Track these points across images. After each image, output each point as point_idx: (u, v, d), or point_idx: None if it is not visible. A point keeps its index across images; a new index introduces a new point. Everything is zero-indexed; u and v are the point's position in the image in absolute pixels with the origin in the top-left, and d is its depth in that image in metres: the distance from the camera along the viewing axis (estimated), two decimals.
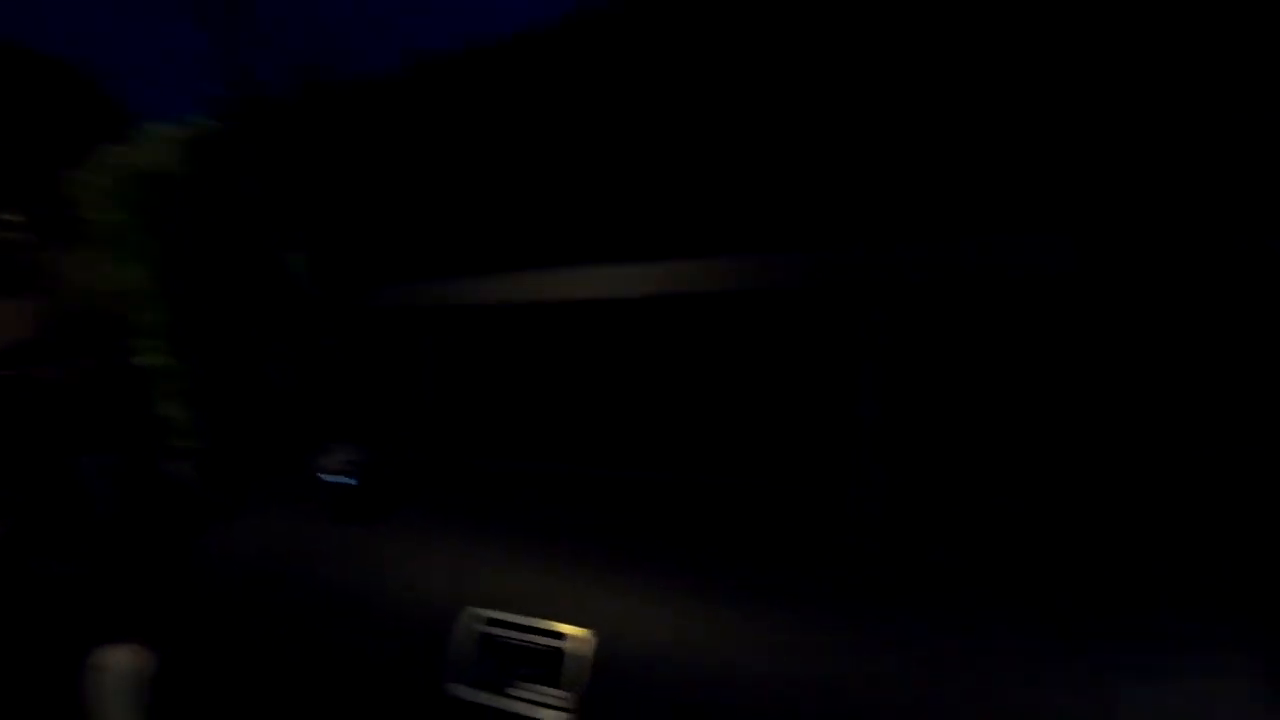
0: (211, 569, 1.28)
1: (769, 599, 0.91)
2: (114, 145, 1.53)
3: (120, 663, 1.32)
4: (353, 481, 1.15)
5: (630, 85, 1.14)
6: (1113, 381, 0.92)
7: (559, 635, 0.97)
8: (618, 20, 1.18)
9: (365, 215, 1.42)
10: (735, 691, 0.86)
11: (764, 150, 1.11)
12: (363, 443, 1.18)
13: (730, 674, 0.88)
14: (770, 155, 1.07)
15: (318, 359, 1.45)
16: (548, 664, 0.97)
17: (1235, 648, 0.71)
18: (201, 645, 1.26)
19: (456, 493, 1.21)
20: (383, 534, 1.18)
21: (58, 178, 1.56)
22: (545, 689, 0.96)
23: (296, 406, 1.44)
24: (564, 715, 0.93)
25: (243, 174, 1.45)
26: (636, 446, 1.15)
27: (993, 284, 0.95)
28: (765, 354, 1.10)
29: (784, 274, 1.06)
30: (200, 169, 1.43)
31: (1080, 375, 0.95)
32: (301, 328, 1.48)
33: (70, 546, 1.42)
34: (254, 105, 1.48)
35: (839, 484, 0.98)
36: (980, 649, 0.78)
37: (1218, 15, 0.90)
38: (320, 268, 1.46)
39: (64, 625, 1.39)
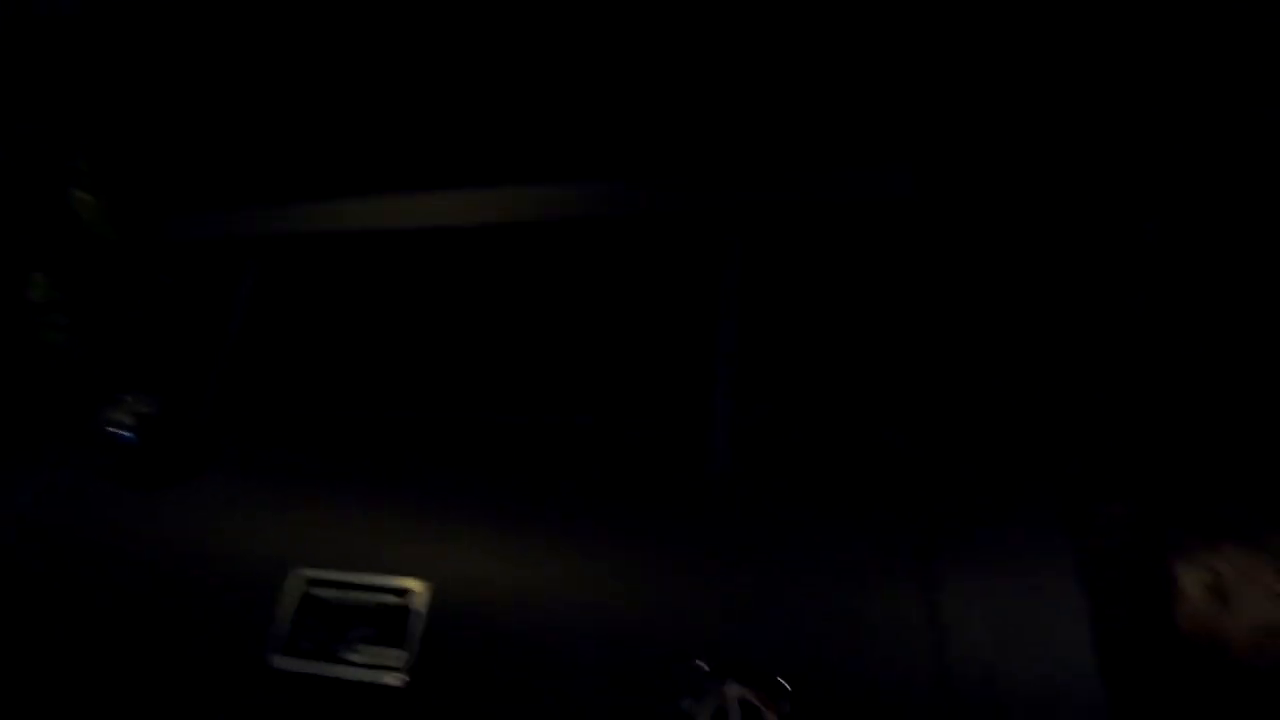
0: None
1: (614, 540, 0.86)
2: None
3: None
4: (135, 438, 1.01)
5: None
6: (955, 304, 0.94)
7: (391, 590, 0.89)
8: None
9: (162, 139, 1.25)
10: (582, 635, 0.82)
11: (612, 71, 1.05)
12: (155, 394, 1.04)
13: (577, 617, 0.83)
14: (618, 76, 1.01)
15: (110, 312, 1.27)
16: (380, 622, 0.89)
17: (1050, 558, 0.74)
18: None
19: (275, 445, 1.08)
20: (188, 495, 1.04)
21: None
22: (379, 649, 0.88)
23: (81, 366, 1.25)
24: (399, 676, 0.85)
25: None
26: (470, 388, 1.07)
27: (837, 212, 0.95)
28: (611, 288, 1.06)
29: (634, 203, 1.01)
30: None
31: (925, 302, 0.96)
32: (90, 275, 1.28)
33: None
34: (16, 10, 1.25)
35: (689, 424, 0.95)
36: (820, 569, 0.77)
37: None
38: (113, 203, 1.26)
39: None
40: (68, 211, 1.28)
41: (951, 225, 0.96)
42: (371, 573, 0.91)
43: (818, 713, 0.68)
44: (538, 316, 1.08)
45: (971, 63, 0.93)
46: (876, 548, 0.76)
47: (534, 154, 1.04)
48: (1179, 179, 0.98)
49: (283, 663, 0.90)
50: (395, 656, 0.86)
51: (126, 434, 1.01)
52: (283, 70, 1.13)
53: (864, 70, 0.94)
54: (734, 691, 0.70)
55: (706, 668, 0.72)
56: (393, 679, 0.85)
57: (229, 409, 1.15)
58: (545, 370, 1.05)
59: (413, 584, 0.89)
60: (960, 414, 0.88)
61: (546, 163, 1.04)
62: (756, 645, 0.73)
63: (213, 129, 1.18)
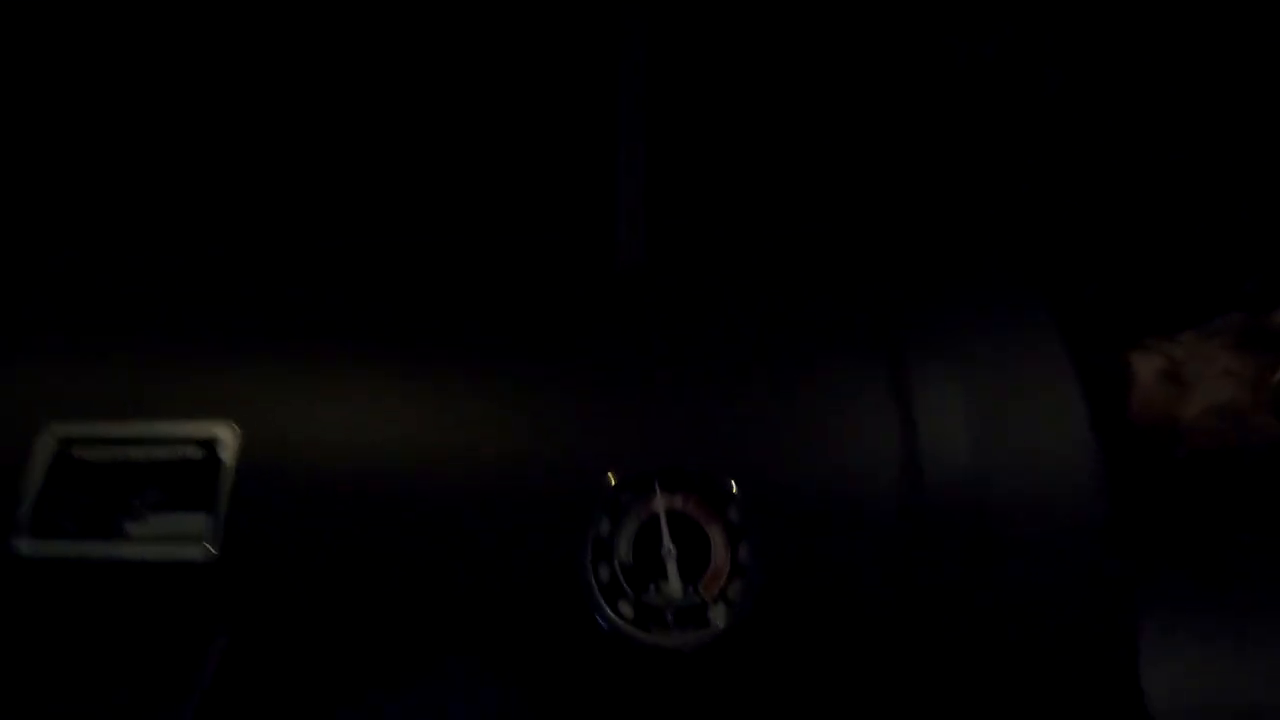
0: None
1: (492, 355, 0.67)
2: None
3: None
4: None
5: None
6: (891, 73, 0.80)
7: (188, 440, 0.66)
8: None
9: None
10: (458, 474, 0.62)
11: None
12: None
13: (450, 451, 0.63)
14: None
15: None
16: (174, 482, 0.66)
17: (1038, 347, 0.61)
18: None
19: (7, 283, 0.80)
20: None
21: None
22: (174, 516, 0.65)
23: None
24: (204, 548, 0.63)
25: None
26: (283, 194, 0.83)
27: None
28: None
29: None
30: None
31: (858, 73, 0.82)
32: None
33: None
34: None
35: (588, 218, 0.77)
36: (760, 362, 0.62)
37: None
38: None
39: None
40: None
41: None
42: (159, 421, 0.68)
43: (767, 522, 0.54)
44: (379, 92, 0.84)
45: None
46: (828, 337, 0.61)
47: None
48: None
49: (34, 548, 0.65)
50: (197, 524, 0.64)
51: None
52: None
53: None
54: (662, 503, 0.54)
55: (614, 480, 0.55)
56: (195, 551, 0.63)
57: None
58: (388, 163, 0.83)
59: (219, 430, 0.66)
60: (917, 197, 0.75)
61: None
62: (689, 451, 0.56)
63: None
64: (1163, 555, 0.71)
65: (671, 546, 0.53)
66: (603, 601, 0.53)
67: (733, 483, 0.53)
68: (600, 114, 0.79)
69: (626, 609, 0.53)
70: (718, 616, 0.52)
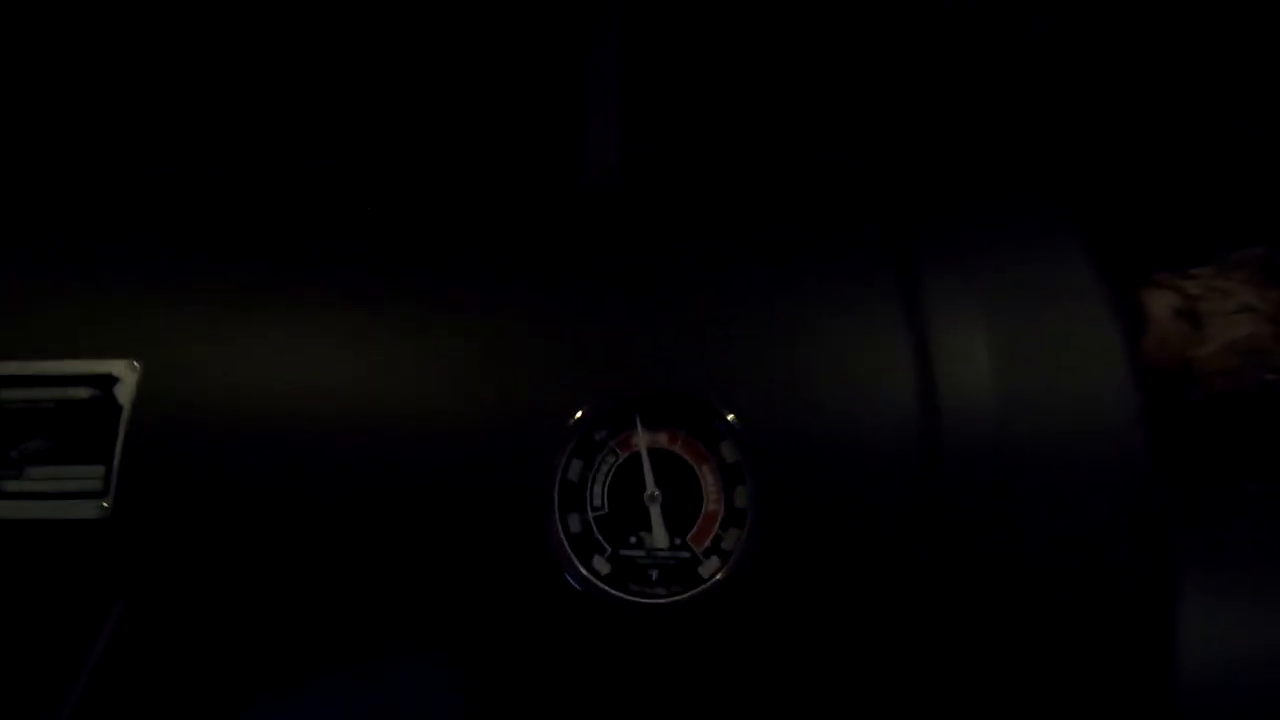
0: None
1: (439, 285, 0.58)
2: None
3: None
4: None
5: None
6: None
7: (79, 379, 0.56)
8: None
9: None
10: (401, 415, 0.53)
11: None
12: None
13: (387, 392, 0.54)
14: None
15: None
16: (61, 429, 0.56)
17: (1071, 280, 0.54)
18: None
19: None
20: None
21: None
22: (62, 470, 0.55)
23: None
24: (99, 504, 0.53)
25: None
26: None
27: None
28: None
29: None
30: None
31: None
32: None
33: None
34: None
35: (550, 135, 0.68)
36: (754, 289, 0.54)
37: None
38: None
39: None
40: None
41: None
42: (44, 358, 0.57)
43: (767, 461, 0.46)
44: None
45: None
46: (831, 256, 0.53)
47: None
48: None
49: None
50: (90, 476, 0.54)
51: None
52: None
53: None
54: (644, 439, 0.46)
55: (585, 416, 0.47)
56: (87, 508, 0.53)
57: None
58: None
59: (115, 367, 0.56)
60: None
61: None
62: (674, 380, 0.48)
63: None
64: (1175, 502, 0.66)
65: (656, 490, 0.45)
66: (574, 557, 0.45)
67: (728, 415, 0.46)
68: (571, 26, 0.70)
69: (602, 565, 0.45)
70: (710, 571, 0.44)
